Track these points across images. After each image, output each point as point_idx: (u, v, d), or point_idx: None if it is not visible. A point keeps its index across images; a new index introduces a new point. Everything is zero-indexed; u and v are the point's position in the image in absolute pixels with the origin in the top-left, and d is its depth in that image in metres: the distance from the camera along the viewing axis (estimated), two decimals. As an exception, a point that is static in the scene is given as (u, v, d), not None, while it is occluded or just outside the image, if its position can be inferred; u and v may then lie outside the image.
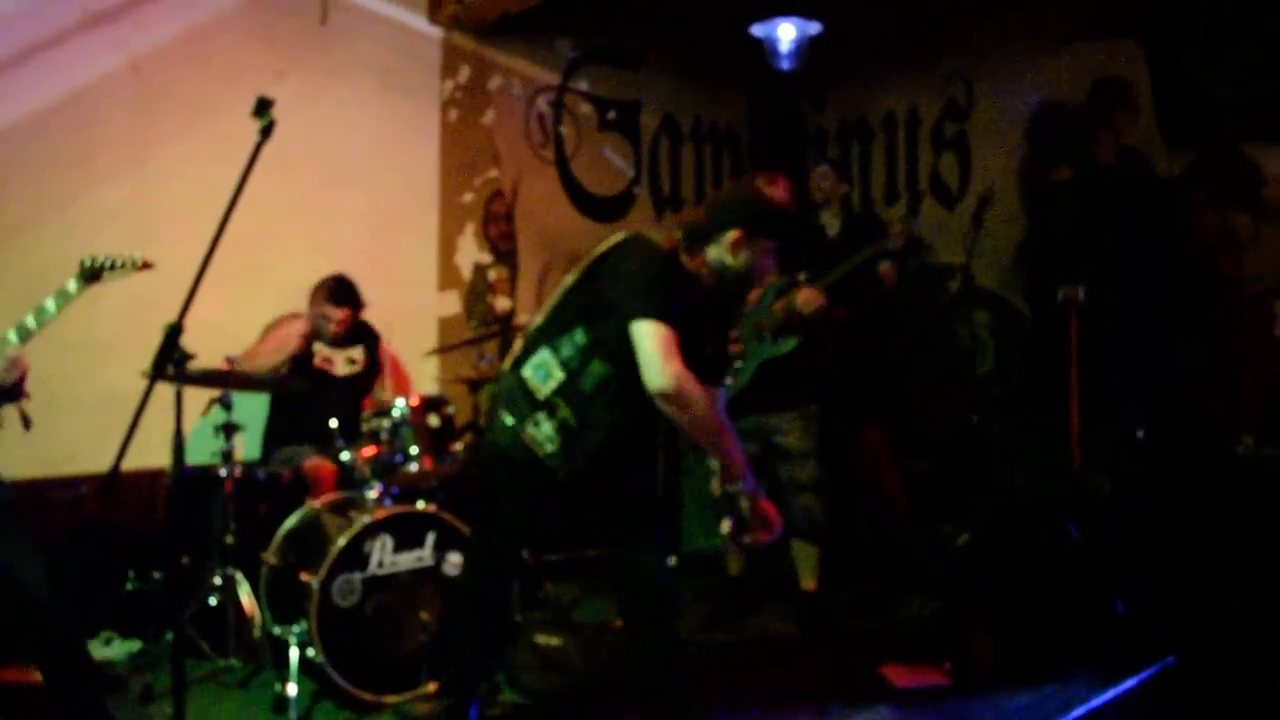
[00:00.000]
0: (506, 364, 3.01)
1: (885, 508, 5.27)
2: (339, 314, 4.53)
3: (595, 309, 2.84)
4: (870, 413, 5.40)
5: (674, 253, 2.89)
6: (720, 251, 2.87)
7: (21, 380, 2.94)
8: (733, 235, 2.85)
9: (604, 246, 2.93)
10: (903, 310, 5.68)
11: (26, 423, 2.97)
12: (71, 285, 3.01)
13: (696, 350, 2.81)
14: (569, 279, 2.95)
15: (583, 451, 2.86)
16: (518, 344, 3.01)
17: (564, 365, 2.85)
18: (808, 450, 4.28)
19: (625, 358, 2.75)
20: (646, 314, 2.71)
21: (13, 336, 2.91)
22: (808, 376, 4.35)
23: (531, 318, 3.00)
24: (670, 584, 3.04)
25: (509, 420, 2.92)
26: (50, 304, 2.97)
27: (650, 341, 2.69)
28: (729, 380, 4.21)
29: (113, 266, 3.09)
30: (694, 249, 2.89)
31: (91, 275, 3.00)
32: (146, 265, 3.21)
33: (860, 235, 4.53)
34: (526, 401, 2.88)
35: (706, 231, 2.89)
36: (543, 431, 2.86)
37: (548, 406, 2.85)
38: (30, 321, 2.94)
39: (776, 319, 4.29)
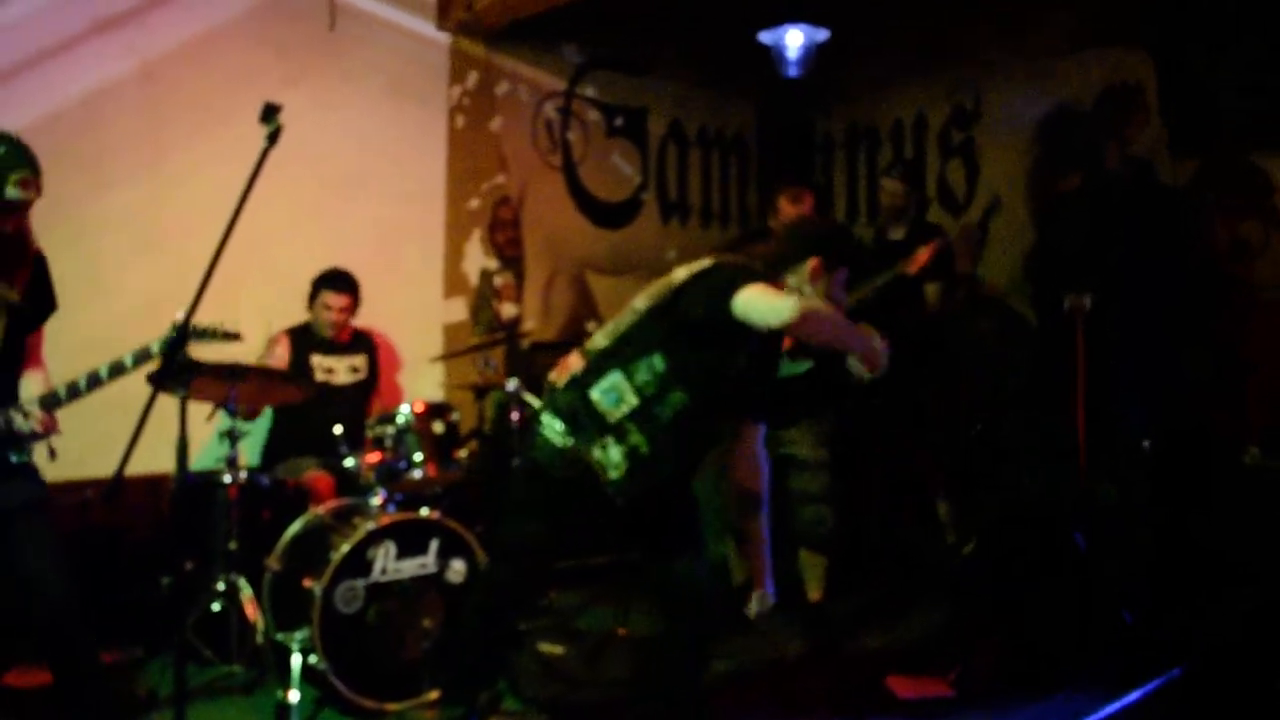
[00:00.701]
0: (560, 380, 2.94)
1: (928, 526, 5.24)
2: (339, 300, 4.59)
3: (677, 336, 2.81)
4: (917, 437, 5.34)
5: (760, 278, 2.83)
6: (800, 280, 2.87)
7: (45, 436, 2.90)
8: (812, 264, 2.87)
9: (684, 273, 2.88)
10: (948, 336, 5.50)
11: (52, 454, 2.97)
12: (155, 347, 2.89)
13: (761, 384, 2.86)
14: (641, 303, 2.89)
15: (649, 479, 2.84)
16: (574, 361, 2.94)
17: (639, 391, 2.80)
18: (819, 461, 4.27)
19: (705, 388, 2.79)
20: (740, 283, 2.68)
21: (82, 383, 2.88)
22: (821, 390, 4.31)
23: (593, 336, 2.97)
24: (711, 593, 3.06)
25: (565, 439, 2.83)
26: (129, 360, 2.91)
27: (755, 300, 2.65)
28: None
29: (203, 335, 3.07)
30: (773, 278, 2.85)
31: (179, 342, 2.85)
32: (237, 336, 3.26)
33: (920, 244, 4.51)
34: (594, 424, 2.81)
35: (786, 259, 2.91)
36: (610, 457, 2.80)
37: (617, 430, 2.80)
38: (103, 372, 2.89)
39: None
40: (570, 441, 2.82)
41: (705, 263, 2.91)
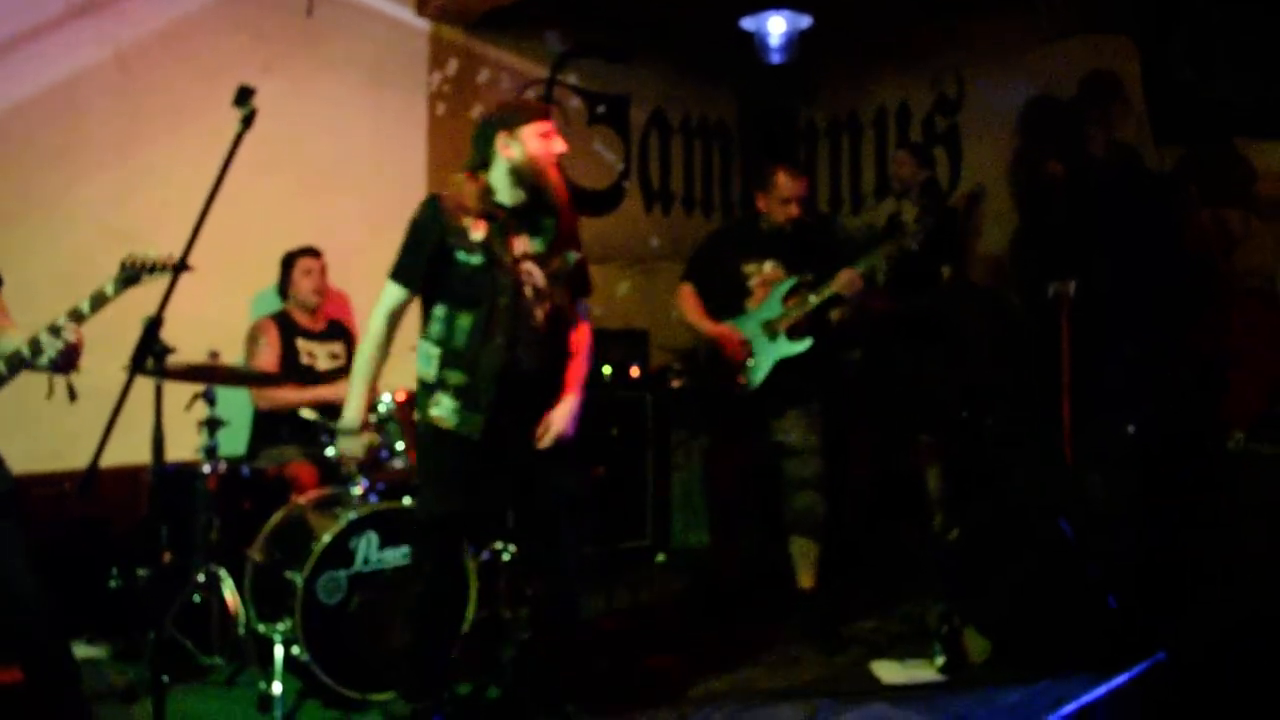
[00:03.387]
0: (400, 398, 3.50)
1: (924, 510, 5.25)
2: (316, 264, 4.65)
3: (434, 284, 3.15)
4: (920, 418, 5.33)
5: (433, 196, 3.24)
6: (502, 161, 3.14)
7: (75, 353, 2.82)
8: (501, 138, 3.13)
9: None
10: (958, 315, 5.53)
11: (72, 394, 2.90)
12: (109, 288, 2.84)
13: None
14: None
15: (480, 403, 3.06)
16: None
17: (437, 341, 3.11)
18: (811, 447, 4.24)
19: (476, 300, 3.08)
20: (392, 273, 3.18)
21: (65, 320, 2.81)
22: (812, 373, 4.29)
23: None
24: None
25: (417, 418, 3.18)
26: (85, 306, 2.86)
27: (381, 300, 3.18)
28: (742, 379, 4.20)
29: (153, 269, 2.99)
30: (476, 172, 3.19)
31: (130, 279, 2.85)
32: (186, 267, 3.16)
33: (933, 225, 4.47)
34: (424, 392, 3.13)
35: (483, 156, 3.19)
36: (444, 406, 3.08)
37: (440, 384, 3.10)
38: (85, 306, 2.82)
39: (792, 317, 4.23)
40: (419, 414, 3.15)
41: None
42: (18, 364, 2.78)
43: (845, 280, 4.12)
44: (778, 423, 4.25)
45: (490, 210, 3.13)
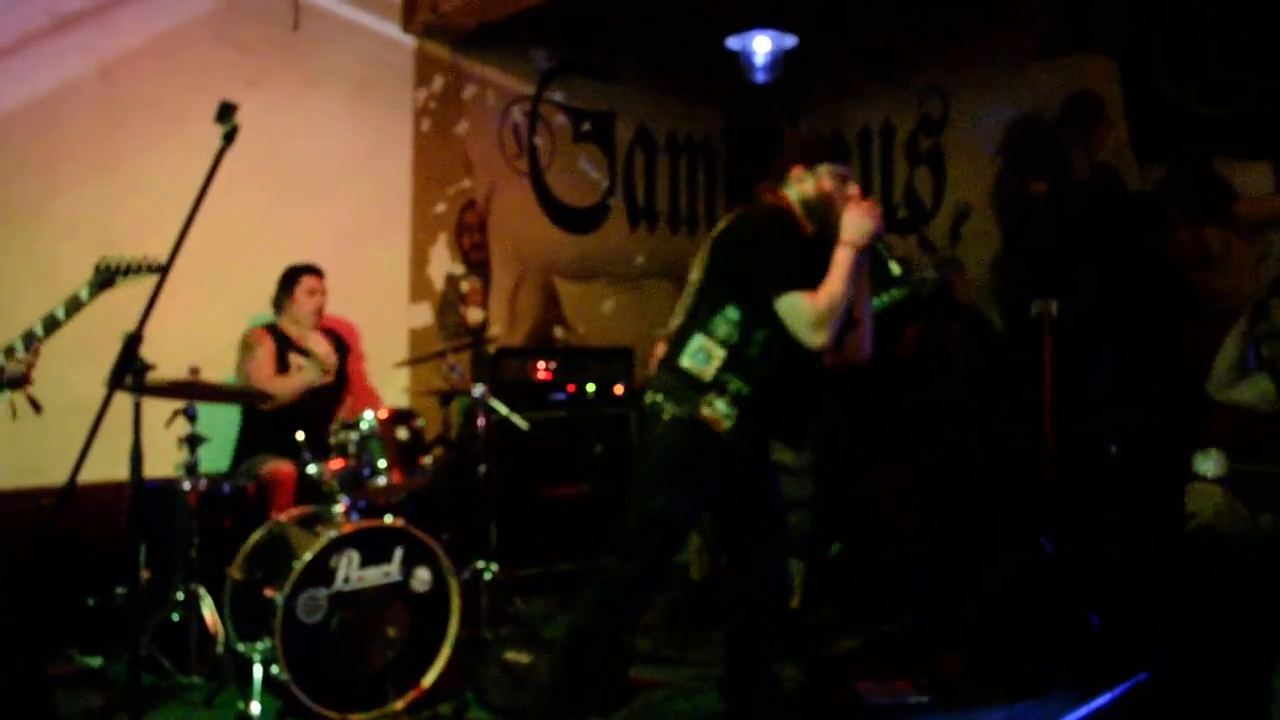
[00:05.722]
0: (651, 368, 3.17)
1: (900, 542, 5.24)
2: (320, 284, 4.62)
3: (735, 286, 3.01)
4: (887, 452, 5.33)
5: (776, 208, 3.13)
6: (797, 190, 3.14)
7: (28, 370, 2.84)
8: (795, 171, 3.16)
9: (714, 233, 3.15)
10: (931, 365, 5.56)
11: (36, 406, 2.89)
12: (84, 293, 2.84)
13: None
14: (694, 274, 3.14)
15: (760, 418, 3.03)
16: (659, 348, 3.17)
17: (723, 343, 3.00)
18: (801, 466, 4.24)
19: (778, 319, 2.95)
20: (778, 285, 2.92)
21: (18, 344, 2.81)
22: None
23: (669, 323, 3.19)
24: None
25: (675, 409, 3.00)
26: (60, 312, 2.83)
27: (795, 314, 2.90)
28: None
29: (128, 271, 2.95)
30: (775, 191, 3.19)
31: (105, 282, 2.83)
32: (162, 268, 3.15)
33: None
34: (693, 387, 3.00)
35: (778, 178, 3.20)
36: (718, 409, 2.98)
37: (716, 385, 2.99)
38: (38, 329, 2.83)
39: None
40: (680, 409, 3.00)
41: (726, 221, 3.16)
42: None
43: None
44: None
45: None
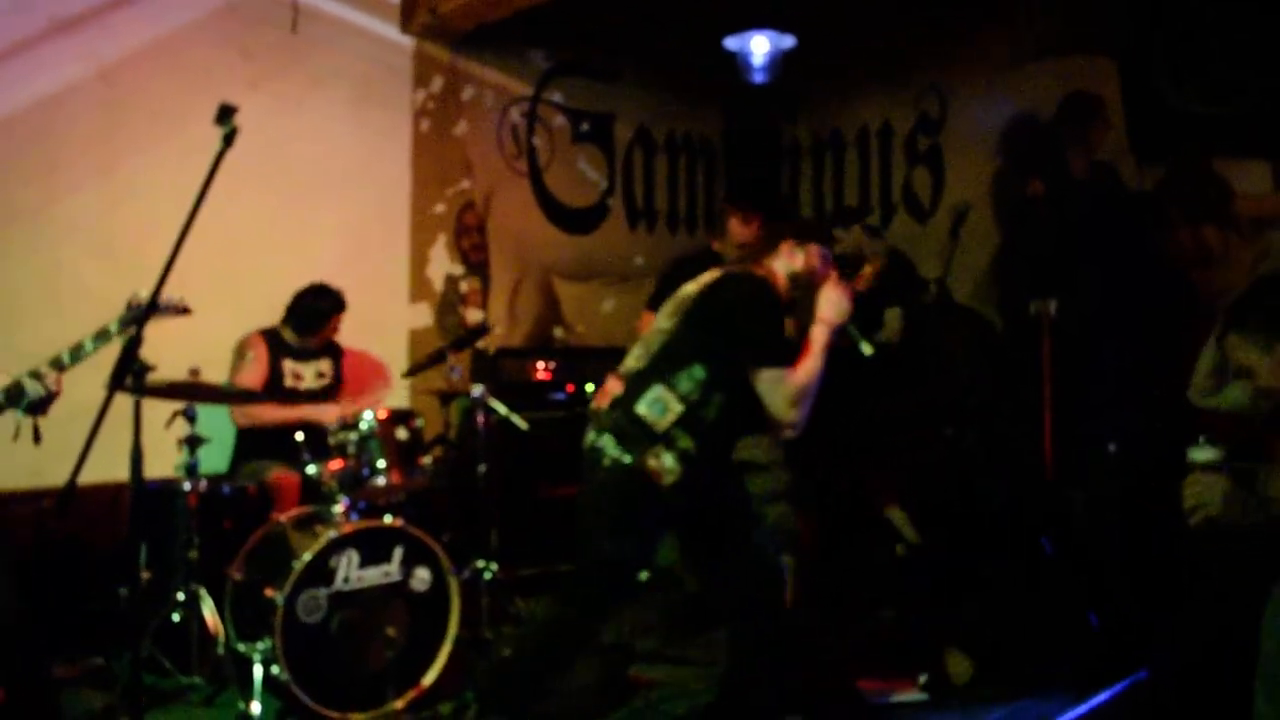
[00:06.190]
0: (603, 404, 3.10)
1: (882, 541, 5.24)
2: (340, 319, 4.63)
3: (709, 346, 3.03)
4: (871, 454, 5.33)
5: (765, 280, 3.15)
6: (784, 263, 3.20)
7: (51, 399, 2.92)
8: (785, 246, 3.22)
9: (697, 287, 3.16)
10: (917, 345, 5.56)
11: (37, 435, 2.94)
12: (113, 327, 2.95)
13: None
14: (666, 322, 3.14)
15: (699, 478, 3.02)
16: (613, 385, 3.11)
17: (683, 399, 2.99)
18: (776, 460, 4.26)
19: (741, 388, 2.99)
20: (766, 360, 2.97)
21: (46, 369, 2.88)
22: None
23: (625, 361, 3.16)
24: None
25: (623, 454, 2.99)
26: (89, 344, 2.92)
27: (776, 390, 2.96)
28: None
29: (156, 309, 3.02)
30: (757, 264, 3.22)
31: (134, 319, 2.86)
32: (187, 310, 3.28)
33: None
34: (645, 435, 2.98)
35: (764, 250, 3.26)
36: (664, 463, 2.97)
37: (666, 438, 2.98)
38: (65, 356, 2.92)
39: None
40: (628, 456, 2.98)
41: (710, 276, 3.18)
42: None
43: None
44: (743, 441, 4.26)
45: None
